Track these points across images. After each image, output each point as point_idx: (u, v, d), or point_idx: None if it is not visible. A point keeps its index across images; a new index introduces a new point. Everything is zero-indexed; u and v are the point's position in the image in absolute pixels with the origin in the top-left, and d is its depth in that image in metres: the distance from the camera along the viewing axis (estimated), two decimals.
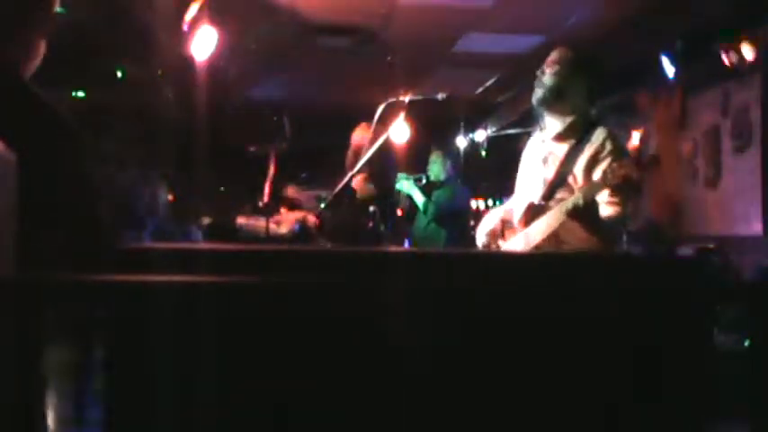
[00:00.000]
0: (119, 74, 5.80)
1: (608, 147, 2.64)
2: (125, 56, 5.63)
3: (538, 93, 2.77)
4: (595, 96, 2.82)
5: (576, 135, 2.71)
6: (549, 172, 2.71)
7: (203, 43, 4.95)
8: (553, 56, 2.79)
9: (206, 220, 5.10)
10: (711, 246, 5.22)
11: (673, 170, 6.58)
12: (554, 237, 2.56)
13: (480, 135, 8.07)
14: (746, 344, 4.15)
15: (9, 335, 1.62)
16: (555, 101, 2.74)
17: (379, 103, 2.92)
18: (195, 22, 4.82)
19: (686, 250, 5.41)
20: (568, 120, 2.74)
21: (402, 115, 2.95)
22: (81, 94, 5.34)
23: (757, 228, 5.49)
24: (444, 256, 1.86)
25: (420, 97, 2.94)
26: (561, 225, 2.56)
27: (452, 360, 1.46)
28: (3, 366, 1.68)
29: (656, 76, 5.80)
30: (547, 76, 2.75)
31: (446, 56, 6.93)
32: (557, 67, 2.75)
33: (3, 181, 1.68)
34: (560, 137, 2.75)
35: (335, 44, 6.49)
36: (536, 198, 2.70)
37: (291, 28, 6.08)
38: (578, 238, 2.59)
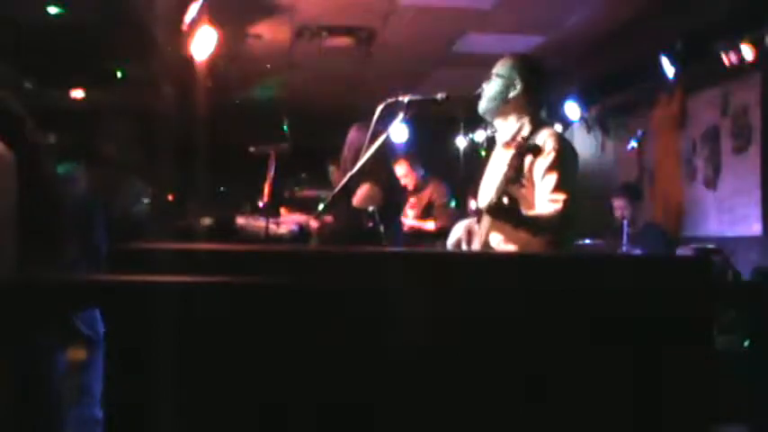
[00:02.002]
0: (118, 74, 5.80)
1: (548, 146, 2.65)
2: (125, 56, 5.63)
3: (481, 103, 2.82)
4: (540, 99, 2.85)
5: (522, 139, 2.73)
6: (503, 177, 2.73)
7: (203, 43, 4.95)
8: (496, 66, 2.84)
9: (206, 221, 5.10)
10: (711, 246, 5.21)
11: (672, 170, 6.58)
12: (486, 240, 2.59)
13: (480, 135, 8.10)
14: (746, 344, 4.16)
15: (9, 334, 1.62)
16: (497, 109, 2.79)
17: (379, 103, 2.91)
18: (195, 22, 4.83)
19: (686, 251, 5.41)
20: (515, 126, 2.77)
21: (401, 116, 2.94)
22: (80, 93, 5.35)
23: (757, 228, 5.49)
24: (441, 256, 1.87)
25: (419, 97, 2.93)
26: (490, 227, 2.59)
27: (448, 360, 1.46)
28: (3, 366, 1.68)
29: (656, 76, 5.80)
30: (488, 85, 2.80)
31: (446, 56, 6.94)
32: (497, 79, 2.79)
33: (3, 181, 1.68)
34: (508, 144, 2.79)
35: (336, 44, 6.49)
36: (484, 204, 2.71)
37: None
38: (507, 236, 2.63)
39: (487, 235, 2.59)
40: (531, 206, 2.64)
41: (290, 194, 5.78)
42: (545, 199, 2.61)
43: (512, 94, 2.78)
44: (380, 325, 1.44)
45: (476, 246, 2.61)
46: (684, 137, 6.44)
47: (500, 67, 2.83)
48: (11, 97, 2.02)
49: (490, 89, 2.81)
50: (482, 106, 2.84)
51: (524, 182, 2.62)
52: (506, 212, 2.53)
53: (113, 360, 1.42)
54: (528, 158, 2.64)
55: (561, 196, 2.59)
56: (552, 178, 2.61)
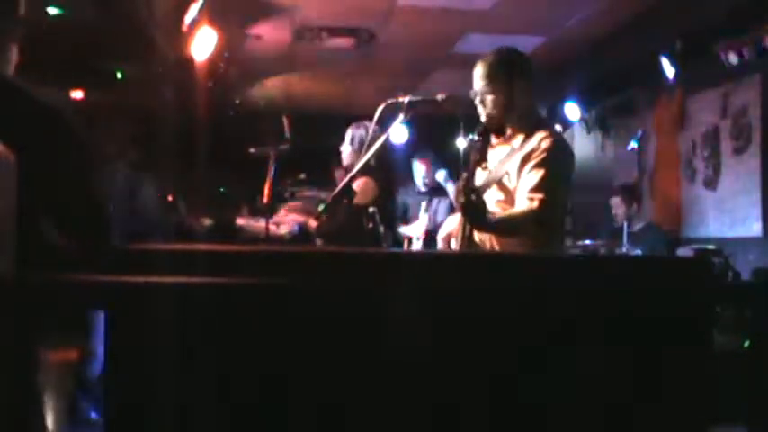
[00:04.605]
0: (118, 74, 5.80)
1: (543, 145, 2.62)
2: (125, 56, 5.63)
3: (486, 117, 2.74)
4: (531, 92, 2.78)
5: (519, 137, 2.70)
6: (496, 174, 2.70)
7: (203, 44, 4.96)
8: (483, 74, 2.76)
9: (206, 221, 5.10)
10: (711, 247, 5.21)
11: (672, 171, 6.58)
12: (464, 234, 2.58)
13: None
14: (746, 345, 4.16)
15: (9, 335, 1.62)
16: (500, 117, 2.73)
17: (379, 104, 2.91)
18: (195, 22, 4.83)
19: (685, 251, 5.41)
20: (512, 125, 2.73)
21: (401, 116, 2.93)
22: (80, 94, 5.35)
23: (757, 229, 5.49)
24: (441, 257, 1.87)
25: (420, 98, 2.92)
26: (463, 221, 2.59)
27: (449, 361, 1.46)
28: (2, 366, 1.68)
29: (656, 76, 5.80)
30: (484, 97, 2.74)
31: (446, 57, 6.94)
32: (487, 89, 2.73)
33: (3, 181, 1.68)
34: (506, 140, 2.75)
35: (336, 45, 6.49)
36: None
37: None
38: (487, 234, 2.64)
39: (471, 231, 2.58)
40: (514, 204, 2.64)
41: (291, 195, 5.79)
42: (524, 196, 2.59)
43: (507, 97, 2.71)
44: (379, 326, 1.44)
45: (459, 241, 2.60)
46: (684, 137, 6.44)
47: (486, 78, 2.75)
48: (62, 104, 2.06)
49: (488, 102, 2.73)
50: (488, 120, 2.74)
51: (487, 165, 2.62)
52: (475, 216, 2.53)
53: (113, 361, 1.42)
54: (515, 152, 2.63)
55: (539, 195, 2.56)
56: (536, 176, 2.57)
